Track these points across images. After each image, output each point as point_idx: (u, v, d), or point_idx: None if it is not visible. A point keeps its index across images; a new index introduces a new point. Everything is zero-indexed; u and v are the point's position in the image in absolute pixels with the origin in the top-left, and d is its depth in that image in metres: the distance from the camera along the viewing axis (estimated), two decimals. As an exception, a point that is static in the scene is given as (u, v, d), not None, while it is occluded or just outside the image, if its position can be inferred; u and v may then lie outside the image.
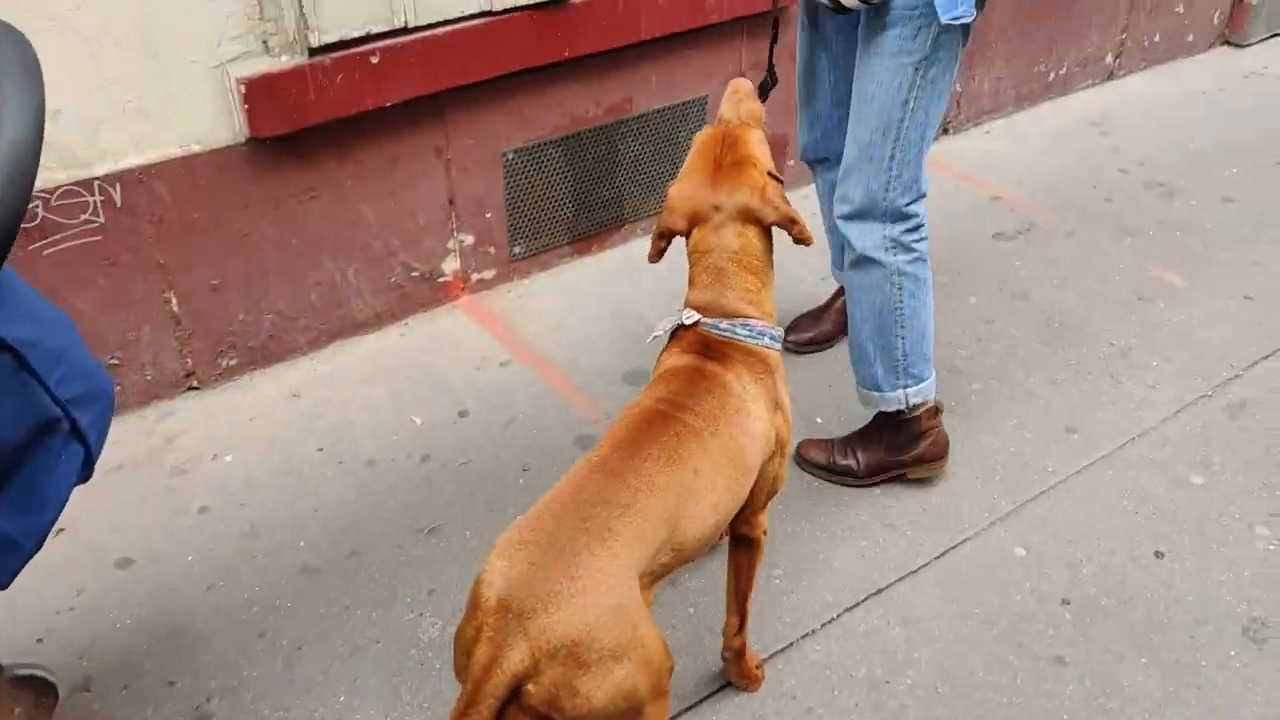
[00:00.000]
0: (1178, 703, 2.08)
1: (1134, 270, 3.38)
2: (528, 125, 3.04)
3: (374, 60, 2.61)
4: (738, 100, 1.96)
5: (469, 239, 3.09)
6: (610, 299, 3.21)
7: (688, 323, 1.80)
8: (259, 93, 2.49)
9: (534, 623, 1.37)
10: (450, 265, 3.09)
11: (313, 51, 2.54)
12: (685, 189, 1.85)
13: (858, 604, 2.27)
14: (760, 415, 1.75)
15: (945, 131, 4.20)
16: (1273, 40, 5.11)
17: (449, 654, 1.77)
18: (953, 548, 2.42)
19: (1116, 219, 3.66)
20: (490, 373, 2.91)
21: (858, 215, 2.29)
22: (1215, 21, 4.94)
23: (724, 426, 1.67)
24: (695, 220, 1.83)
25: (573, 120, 3.11)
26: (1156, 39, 4.72)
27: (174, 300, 2.66)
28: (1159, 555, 2.41)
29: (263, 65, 2.51)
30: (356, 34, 2.58)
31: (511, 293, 3.23)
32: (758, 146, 1.88)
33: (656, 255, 1.92)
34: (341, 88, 2.59)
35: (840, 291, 3.00)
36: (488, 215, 3.09)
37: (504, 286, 3.23)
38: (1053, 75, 4.42)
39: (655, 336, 1.87)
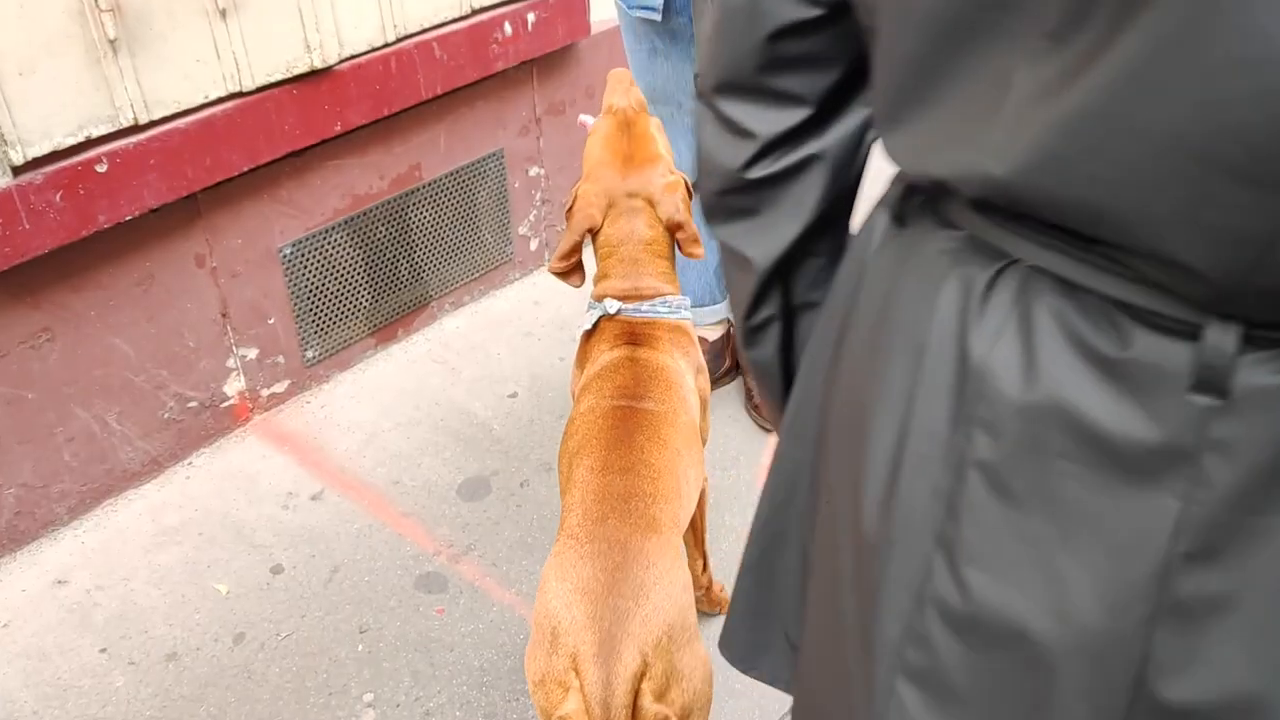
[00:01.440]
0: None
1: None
2: (304, 213, 2.61)
3: (101, 169, 2.13)
4: (626, 88, 1.96)
5: (252, 352, 2.64)
6: (426, 395, 2.83)
7: (611, 312, 1.84)
8: (-47, 231, 1.98)
9: (634, 622, 1.38)
10: (234, 386, 2.63)
11: (17, 170, 2.04)
12: (598, 185, 1.86)
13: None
14: (692, 386, 1.84)
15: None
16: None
17: None
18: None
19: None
20: (301, 511, 2.48)
21: None
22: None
23: (679, 407, 1.74)
24: (607, 211, 1.86)
25: (355, 199, 2.70)
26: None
27: (-120, 496, 2.11)
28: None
29: (-46, 195, 1.99)
30: (73, 141, 2.10)
31: (311, 404, 2.79)
32: (660, 139, 1.92)
33: (568, 267, 1.89)
34: (64, 208, 2.10)
35: None
36: (270, 321, 2.64)
37: (301, 398, 2.79)
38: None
39: (583, 329, 1.89)
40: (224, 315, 2.54)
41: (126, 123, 2.16)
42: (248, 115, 2.34)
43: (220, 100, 2.31)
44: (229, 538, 2.41)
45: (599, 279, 1.90)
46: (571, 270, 1.89)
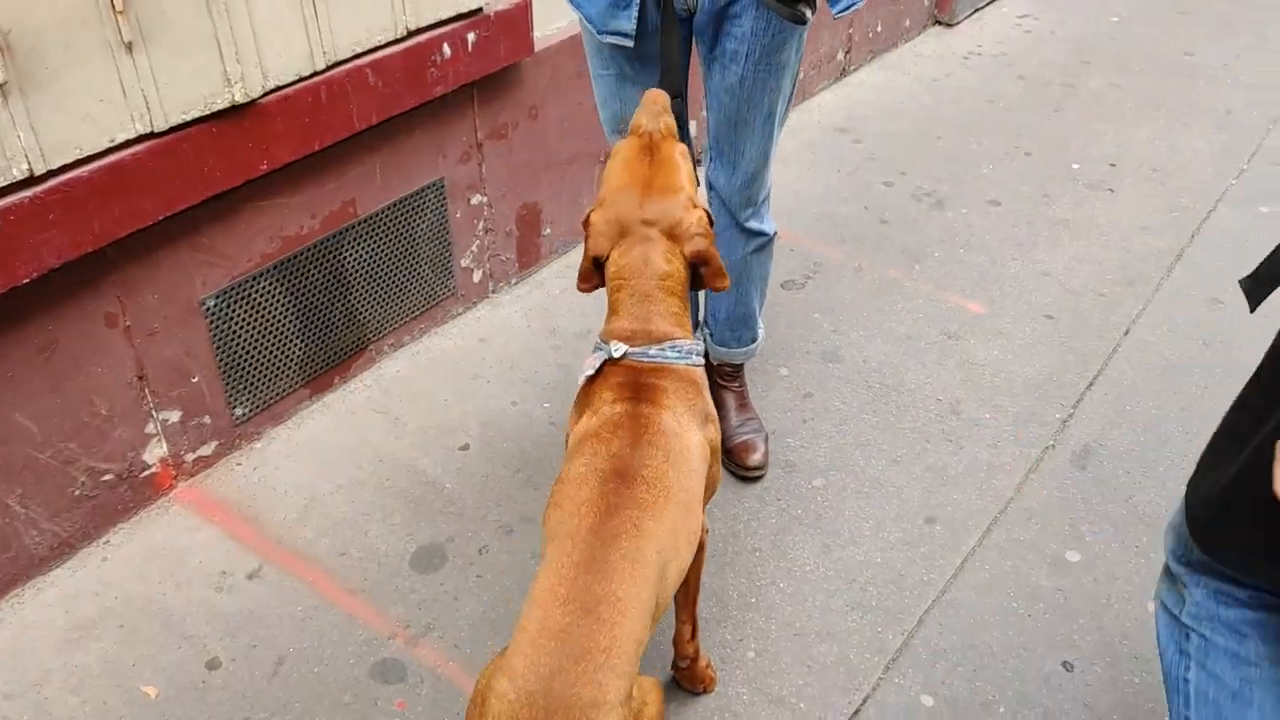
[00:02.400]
0: None
1: (934, 304, 3.14)
2: (228, 261, 2.36)
3: (-7, 227, 1.86)
4: (657, 113, 1.84)
5: (174, 414, 2.38)
6: (369, 450, 2.60)
7: (616, 356, 1.71)
8: None
9: None
10: (154, 453, 2.37)
11: (-106, 234, 1.77)
12: (612, 212, 1.74)
13: (771, 830, 1.86)
14: (699, 443, 1.71)
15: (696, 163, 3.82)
16: (976, 16, 5.10)
17: None
18: (855, 715, 2.04)
19: (899, 243, 3.42)
20: (237, 593, 2.24)
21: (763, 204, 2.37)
22: (926, 3, 4.85)
23: (673, 482, 1.62)
24: (620, 240, 1.74)
25: (285, 242, 2.46)
26: (879, 29, 4.56)
27: None
28: (1068, 667, 2.13)
29: None
30: (-41, 198, 1.83)
31: (243, 466, 2.54)
32: (685, 166, 1.79)
33: (591, 289, 1.83)
34: (-50, 273, 1.84)
35: None
36: (194, 379, 2.39)
37: (231, 459, 2.54)
38: (790, 82, 4.14)
39: (586, 376, 1.74)
40: (140, 377, 2.28)
41: (20, 174, 1.89)
42: (162, 158, 2.09)
43: (129, 143, 2.05)
44: (156, 629, 2.16)
45: (609, 315, 1.77)
46: (598, 287, 1.83)
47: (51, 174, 1.94)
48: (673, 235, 1.72)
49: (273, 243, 2.43)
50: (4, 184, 1.87)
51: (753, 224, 2.37)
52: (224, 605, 2.21)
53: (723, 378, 2.64)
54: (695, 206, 1.75)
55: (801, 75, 4.16)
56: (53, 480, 2.19)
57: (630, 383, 1.70)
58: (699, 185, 1.87)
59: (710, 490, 1.81)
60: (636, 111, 1.85)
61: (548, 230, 3.20)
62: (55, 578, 2.26)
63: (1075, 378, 2.86)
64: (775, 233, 2.44)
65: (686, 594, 1.91)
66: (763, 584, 2.28)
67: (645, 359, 1.71)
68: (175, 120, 2.09)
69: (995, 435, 2.68)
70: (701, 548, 1.84)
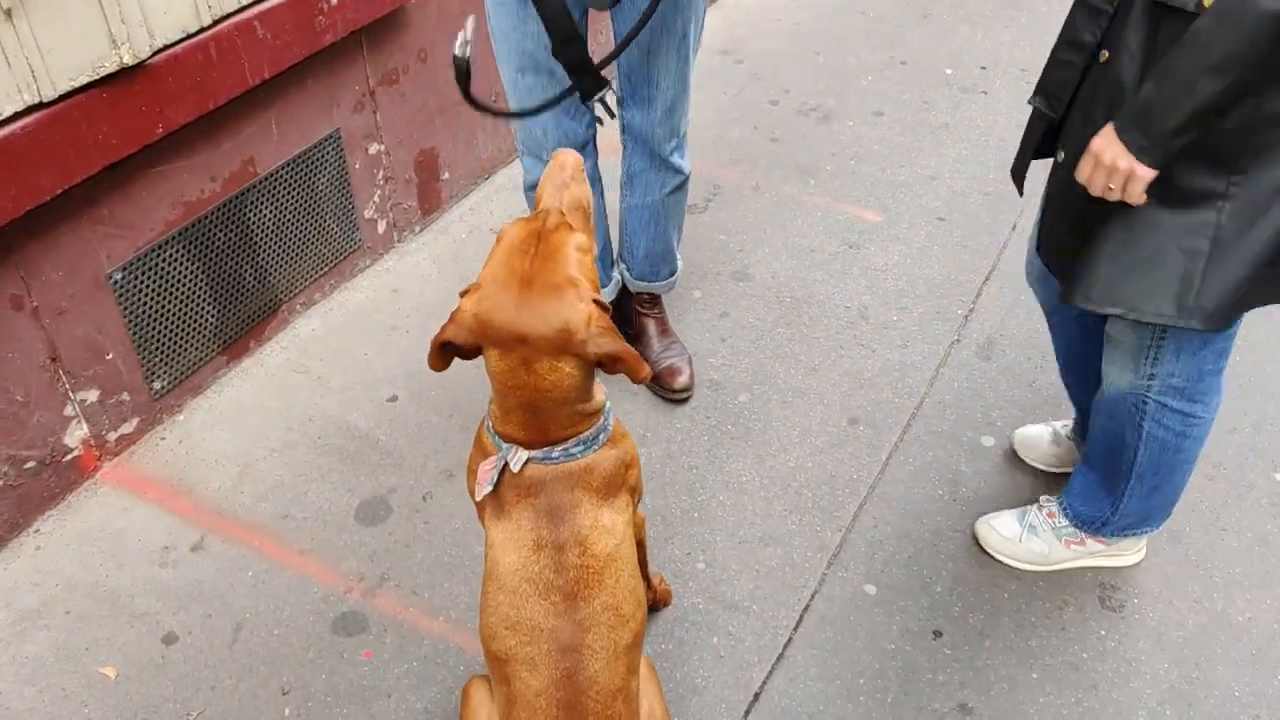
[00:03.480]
0: (1088, 715, 1.97)
1: (832, 216, 3.23)
2: (132, 232, 2.28)
3: (-117, 215, 1.78)
4: (562, 184, 1.54)
5: (92, 394, 2.31)
6: (296, 411, 2.57)
7: (516, 469, 1.51)
8: None
9: None
10: (76, 435, 2.31)
11: None
12: (484, 308, 1.44)
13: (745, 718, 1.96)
14: (624, 523, 1.58)
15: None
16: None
17: None
18: (805, 610, 2.15)
19: (791, 160, 3.49)
20: (183, 566, 2.22)
21: None
22: (791, -80, 4.88)
23: (600, 604, 1.52)
24: (491, 345, 1.47)
25: (187, 208, 2.39)
26: (748, -51, 4.58)
27: None
28: (993, 543, 2.28)
29: None
30: None
31: (168, 440, 2.49)
32: (578, 258, 1.46)
33: (441, 365, 1.51)
34: None
35: None
36: (109, 357, 2.32)
37: (155, 435, 2.49)
38: (668, 7, 4.15)
39: (485, 492, 1.53)
40: (53, 359, 2.21)
41: (-92, 157, 1.80)
42: (53, 129, 2.00)
43: (17, 115, 1.96)
44: (105, 611, 2.13)
45: (498, 411, 1.55)
46: (448, 366, 1.54)
47: (-61, 155, 1.85)
48: (562, 344, 1.43)
49: (175, 209, 2.36)
50: (-109, 169, 1.78)
51: (675, 159, 2.38)
52: (171, 580, 2.19)
53: (642, 305, 2.69)
54: (586, 301, 1.44)
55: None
56: (-26, 473, 2.12)
57: (534, 496, 1.53)
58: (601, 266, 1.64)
59: (638, 494, 1.72)
60: (541, 178, 1.57)
61: (446, 175, 3.17)
62: (-12, 572, 2.20)
63: (971, 275, 3.01)
64: (690, 172, 2.47)
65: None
66: (704, 499, 2.37)
67: (549, 463, 1.52)
68: (64, 88, 2.00)
69: (904, 336, 2.81)
70: (641, 543, 1.84)
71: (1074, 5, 1.68)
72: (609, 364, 1.45)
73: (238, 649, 2.07)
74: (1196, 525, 2.31)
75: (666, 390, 2.59)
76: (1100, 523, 2.11)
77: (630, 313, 2.71)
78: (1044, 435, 2.44)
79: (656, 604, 2.11)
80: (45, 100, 1.99)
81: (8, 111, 1.94)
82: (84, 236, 2.19)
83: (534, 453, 1.52)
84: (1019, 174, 1.96)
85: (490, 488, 1.53)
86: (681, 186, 2.48)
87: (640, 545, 1.86)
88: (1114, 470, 2.01)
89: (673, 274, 2.65)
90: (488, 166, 3.36)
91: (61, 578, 2.19)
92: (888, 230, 3.17)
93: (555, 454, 1.52)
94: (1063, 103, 1.76)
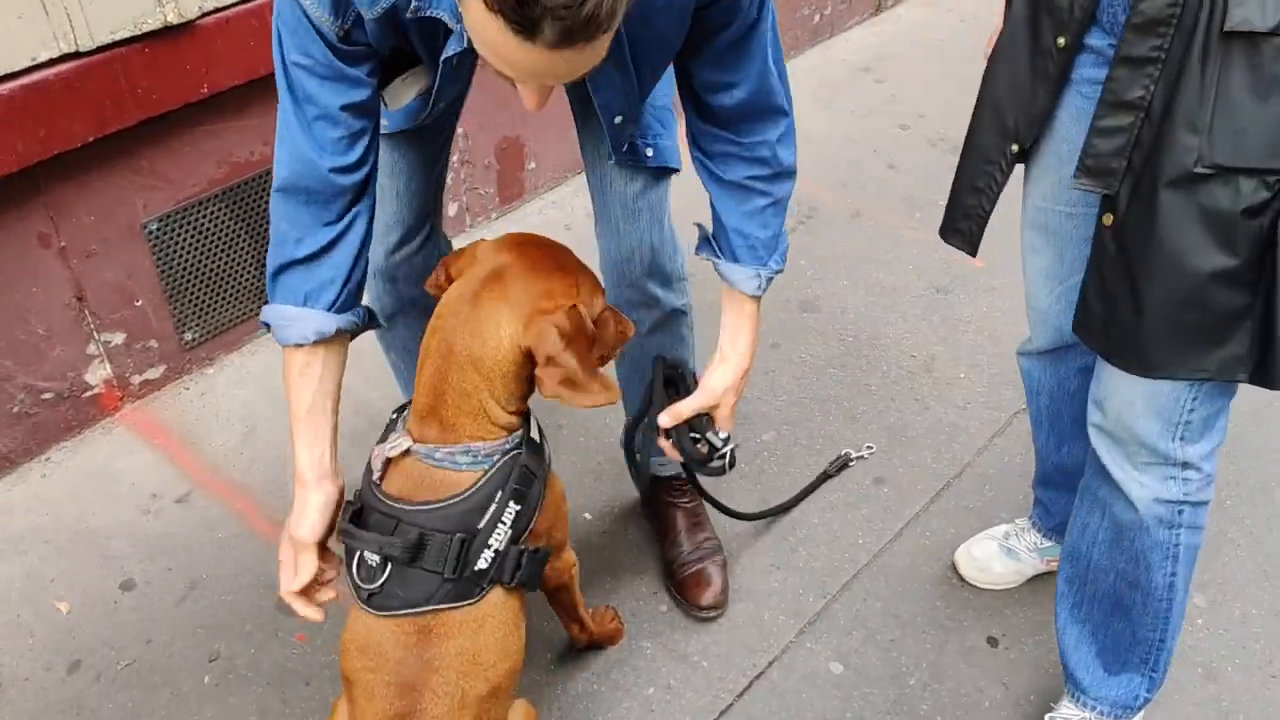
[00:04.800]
0: None
1: (929, 255, 2.98)
2: (171, 185, 2.35)
3: (-94, 143, 1.88)
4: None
5: (118, 337, 2.40)
6: (321, 380, 2.58)
7: (391, 454, 1.47)
8: None
9: None
10: (98, 374, 2.40)
11: None
12: (486, 244, 1.49)
13: (649, 789, 1.81)
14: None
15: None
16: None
17: None
18: (758, 676, 1.97)
19: (902, 189, 3.25)
20: (164, 516, 2.26)
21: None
22: (979, -64, 4.56)
23: (454, 647, 1.45)
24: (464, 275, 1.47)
25: (233, 167, 2.43)
26: (922, -38, 4.32)
27: None
28: (993, 643, 2.03)
29: None
30: None
31: (191, 390, 2.55)
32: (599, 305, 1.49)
33: (436, 290, 1.51)
34: None
35: None
36: (138, 303, 2.40)
37: (179, 384, 2.56)
38: (818, 17, 3.96)
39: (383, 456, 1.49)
40: (79, 299, 2.30)
41: (-69, 91, 1.90)
42: (89, 79, 2.07)
43: (53, 62, 2.03)
44: (80, 548, 2.19)
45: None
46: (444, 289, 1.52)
47: (-34, 92, 1.94)
48: (532, 309, 1.39)
49: (221, 168, 2.41)
50: (-88, 100, 1.88)
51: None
52: (148, 528, 2.24)
53: (671, 492, 2.17)
54: (575, 300, 1.41)
55: (830, 11, 3.97)
56: (-10, 396, 2.23)
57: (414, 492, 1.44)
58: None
59: (564, 524, 1.63)
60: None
61: (532, 165, 3.12)
62: (-5, 491, 2.31)
63: (1065, 339, 2.69)
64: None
65: (572, 617, 1.87)
66: (689, 538, 2.21)
67: (431, 461, 1.43)
68: (102, 40, 2.06)
69: (966, 396, 2.55)
70: (566, 586, 1.76)
71: (1114, 63, 1.41)
72: (544, 365, 1.36)
73: (185, 607, 2.08)
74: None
75: (689, 605, 2.05)
76: (1138, 705, 1.76)
77: (658, 500, 2.19)
78: (990, 552, 2.12)
79: (597, 642, 1.99)
80: (82, 50, 2.05)
81: (42, 57, 2.01)
82: (118, 185, 2.26)
83: (417, 446, 1.43)
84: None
85: (379, 470, 1.46)
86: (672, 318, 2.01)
87: (566, 589, 1.77)
88: (1135, 634, 1.67)
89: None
90: (579, 164, 3.28)
91: (53, 508, 2.27)
92: (985, 279, 2.90)
93: (438, 454, 1.42)
94: (1118, 176, 1.46)
